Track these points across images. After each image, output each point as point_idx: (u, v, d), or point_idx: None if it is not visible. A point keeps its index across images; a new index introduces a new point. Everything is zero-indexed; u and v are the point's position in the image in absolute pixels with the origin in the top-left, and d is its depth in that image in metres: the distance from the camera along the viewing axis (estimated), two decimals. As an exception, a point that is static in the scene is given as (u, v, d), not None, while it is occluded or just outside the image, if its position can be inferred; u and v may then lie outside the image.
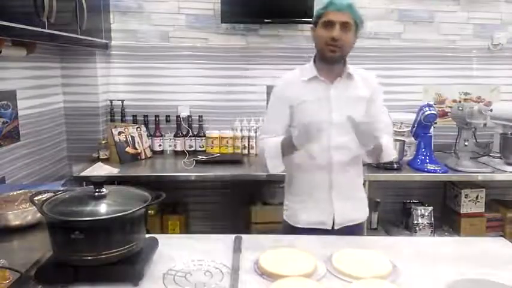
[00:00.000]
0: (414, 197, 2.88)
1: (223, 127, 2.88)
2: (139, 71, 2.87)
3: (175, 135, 2.83)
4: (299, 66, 1.65)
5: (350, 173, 1.61)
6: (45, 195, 1.17)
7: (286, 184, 1.72)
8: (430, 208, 2.65)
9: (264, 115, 2.83)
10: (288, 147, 1.50)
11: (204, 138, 2.84)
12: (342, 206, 1.60)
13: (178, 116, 2.84)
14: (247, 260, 1.20)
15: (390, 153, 1.59)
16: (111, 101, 2.82)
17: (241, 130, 2.83)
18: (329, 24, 1.48)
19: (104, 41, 2.64)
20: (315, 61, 1.61)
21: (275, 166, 1.56)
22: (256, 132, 2.81)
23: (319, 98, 1.56)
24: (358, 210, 1.69)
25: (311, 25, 1.59)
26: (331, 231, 1.59)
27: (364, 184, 2.41)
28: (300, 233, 1.59)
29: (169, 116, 2.88)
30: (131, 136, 2.65)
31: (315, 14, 1.57)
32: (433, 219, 2.64)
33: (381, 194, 2.88)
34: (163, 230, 2.71)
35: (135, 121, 2.84)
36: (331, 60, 1.53)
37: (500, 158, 2.54)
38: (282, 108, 1.60)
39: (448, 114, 2.90)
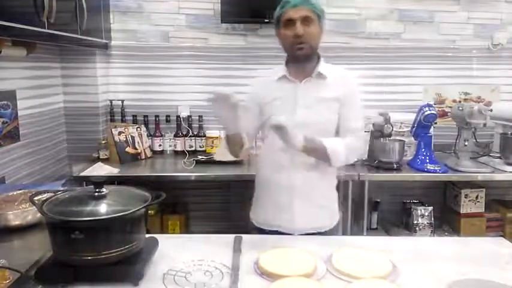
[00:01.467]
0: (414, 197, 2.88)
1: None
2: (139, 71, 2.87)
3: (175, 135, 2.83)
4: (275, 66, 1.63)
5: (316, 177, 1.54)
6: (45, 195, 1.17)
7: (255, 184, 1.69)
8: (430, 208, 2.65)
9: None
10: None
11: (204, 138, 2.84)
12: (303, 210, 1.54)
13: (178, 116, 2.84)
14: (247, 260, 1.20)
15: (337, 159, 1.47)
16: (111, 101, 2.82)
17: (241, 130, 2.82)
18: (290, 23, 1.47)
19: (103, 41, 2.64)
20: (287, 61, 1.59)
21: (222, 153, 1.59)
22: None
23: (286, 97, 1.54)
24: (323, 218, 1.60)
25: (274, 28, 1.56)
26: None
27: (363, 184, 2.44)
28: (262, 234, 1.57)
29: (169, 116, 2.88)
30: (131, 136, 2.65)
31: (274, 17, 1.54)
32: (433, 219, 2.64)
33: (380, 194, 2.88)
34: (163, 230, 2.71)
35: (135, 121, 2.84)
36: (302, 58, 1.51)
37: (500, 158, 2.54)
38: (252, 107, 1.60)
39: (448, 114, 2.90)
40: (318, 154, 1.47)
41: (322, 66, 1.54)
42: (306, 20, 1.46)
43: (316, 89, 1.53)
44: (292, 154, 1.50)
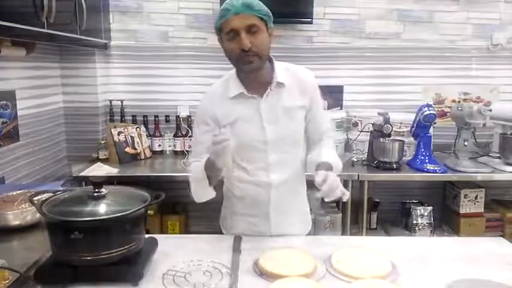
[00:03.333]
0: (413, 197, 2.88)
1: (223, 127, 2.88)
2: (139, 71, 2.87)
3: (175, 135, 2.83)
4: (223, 78, 1.46)
5: (290, 189, 1.48)
6: (45, 196, 1.17)
7: (224, 195, 1.60)
8: (430, 208, 2.65)
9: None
10: (212, 168, 1.29)
11: (203, 138, 2.83)
12: (279, 222, 1.48)
13: (177, 116, 2.83)
14: (247, 260, 1.20)
15: (339, 168, 1.40)
16: (110, 101, 2.82)
17: (240, 130, 2.82)
18: (233, 34, 1.28)
19: (103, 41, 2.64)
20: (238, 72, 1.41)
21: (200, 195, 1.38)
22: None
23: (249, 115, 1.38)
24: (297, 224, 1.54)
25: (217, 37, 1.39)
26: None
27: (363, 184, 2.44)
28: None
29: (168, 116, 2.87)
30: (130, 136, 2.65)
31: (215, 26, 1.37)
32: (432, 219, 2.64)
33: (380, 194, 2.88)
34: (163, 230, 2.71)
35: (134, 121, 2.83)
36: (251, 72, 1.34)
37: (500, 158, 2.55)
38: (209, 128, 1.42)
39: (448, 114, 2.90)
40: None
41: (279, 72, 1.39)
42: (251, 29, 1.27)
43: (278, 100, 1.39)
44: (267, 173, 1.42)
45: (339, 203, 2.71)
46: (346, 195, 1.21)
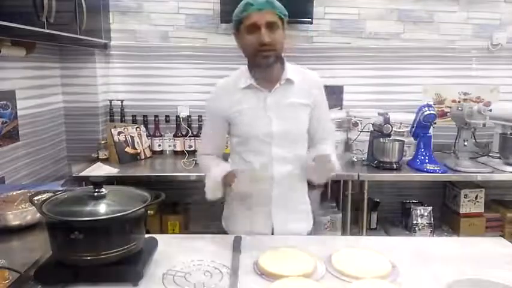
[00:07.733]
0: (413, 197, 2.88)
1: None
2: (139, 71, 2.87)
3: (175, 135, 2.83)
4: (233, 72, 1.52)
5: (292, 185, 1.50)
6: (45, 195, 1.17)
7: (226, 194, 1.55)
8: (430, 208, 2.65)
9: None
10: (226, 185, 1.41)
11: (203, 138, 2.83)
12: (281, 217, 1.50)
13: (177, 116, 2.83)
14: (247, 260, 1.20)
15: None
16: (110, 101, 2.82)
17: (240, 130, 2.82)
18: (254, 28, 1.33)
19: (103, 41, 2.64)
20: (250, 66, 1.46)
21: (214, 195, 1.45)
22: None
23: (256, 107, 1.43)
24: (299, 222, 1.56)
25: (233, 31, 1.45)
26: None
27: (363, 184, 2.44)
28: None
29: (168, 116, 2.87)
30: (131, 136, 2.65)
31: (233, 18, 1.40)
32: (432, 219, 2.64)
33: (380, 194, 2.88)
34: (163, 230, 2.71)
35: (134, 121, 2.83)
36: (266, 66, 1.39)
37: (500, 158, 2.55)
38: (216, 120, 1.50)
39: (448, 114, 2.90)
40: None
41: (289, 71, 1.44)
42: (271, 25, 1.33)
43: (285, 95, 1.44)
44: (270, 167, 1.44)
45: (338, 203, 2.71)
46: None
